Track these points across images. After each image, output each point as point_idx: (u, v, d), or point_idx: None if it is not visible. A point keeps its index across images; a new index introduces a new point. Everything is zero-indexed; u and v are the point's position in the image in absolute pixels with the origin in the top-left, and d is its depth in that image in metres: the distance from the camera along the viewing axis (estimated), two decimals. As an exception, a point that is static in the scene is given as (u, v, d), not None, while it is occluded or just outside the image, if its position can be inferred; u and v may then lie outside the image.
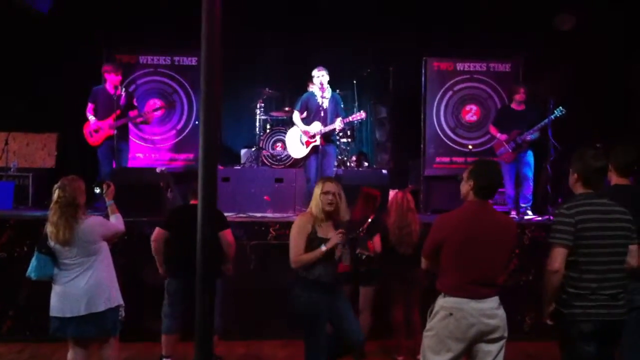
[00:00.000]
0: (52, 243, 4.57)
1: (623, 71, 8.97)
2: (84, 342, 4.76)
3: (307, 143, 8.04)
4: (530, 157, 8.11)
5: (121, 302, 4.80)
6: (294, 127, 8.35)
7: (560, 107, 7.77)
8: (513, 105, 8.26)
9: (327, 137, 7.99)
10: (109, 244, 4.88)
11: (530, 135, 7.98)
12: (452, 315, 3.73)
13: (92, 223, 4.66)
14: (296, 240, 4.71)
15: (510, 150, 8.08)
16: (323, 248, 4.64)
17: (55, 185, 4.66)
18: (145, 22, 9.26)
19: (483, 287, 3.75)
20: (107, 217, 5.10)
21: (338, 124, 7.83)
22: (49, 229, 4.57)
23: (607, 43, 8.95)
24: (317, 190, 4.76)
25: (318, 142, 7.92)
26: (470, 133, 9.14)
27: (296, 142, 8.24)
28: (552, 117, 7.81)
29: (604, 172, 4.07)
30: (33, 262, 4.63)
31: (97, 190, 5.19)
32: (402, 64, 9.85)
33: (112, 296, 4.70)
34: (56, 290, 4.63)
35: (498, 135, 8.22)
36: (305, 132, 8.03)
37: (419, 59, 9.15)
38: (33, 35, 8.95)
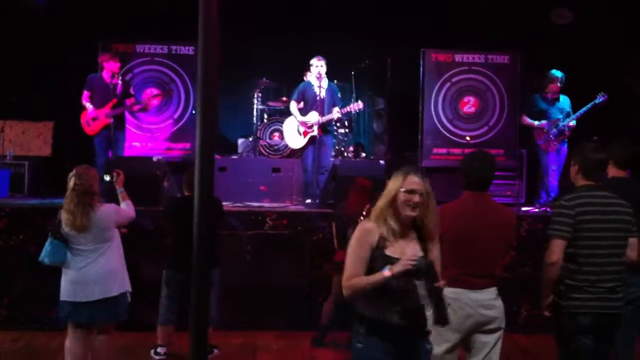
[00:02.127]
0: (66, 229, 4.67)
1: (620, 66, 8.95)
2: (87, 330, 4.84)
3: (305, 133, 8.03)
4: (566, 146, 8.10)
5: (130, 287, 4.91)
6: (291, 117, 8.33)
7: (602, 93, 7.75)
8: (547, 94, 8.18)
9: (325, 128, 7.97)
10: (122, 231, 5.06)
11: (574, 122, 7.96)
12: (449, 305, 3.72)
13: (107, 210, 4.80)
14: (353, 254, 3.29)
15: (552, 138, 8.05)
16: (386, 272, 3.13)
17: (71, 174, 4.75)
18: (142, 10, 9.21)
19: (480, 278, 3.75)
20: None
21: (336, 114, 7.81)
22: (64, 216, 4.67)
23: (605, 38, 8.93)
24: (394, 186, 3.31)
25: (315, 133, 7.90)
26: (468, 125, 9.10)
27: (293, 132, 8.22)
28: (595, 102, 7.79)
29: (604, 164, 4.07)
30: (47, 247, 4.72)
31: (107, 178, 5.31)
32: (400, 56, 9.81)
33: (125, 281, 4.84)
34: (69, 276, 4.73)
35: (536, 124, 8.16)
36: (303, 123, 8.01)
37: (417, 50, 9.10)
38: (30, 24, 8.90)
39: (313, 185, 8.03)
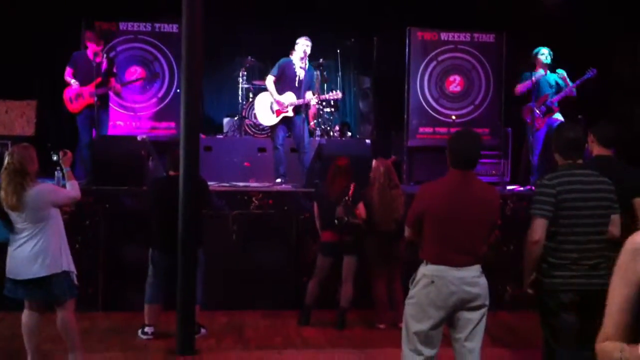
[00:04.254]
0: (5, 207, 4.69)
1: (607, 48, 8.96)
2: (36, 304, 4.88)
3: (278, 112, 7.94)
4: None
5: (71, 268, 4.85)
6: (265, 93, 8.22)
7: (592, 68, 7.75)
8: (537, 69, 8.15)
9: (297, 109, 7.91)
10: (64, 211, 5.09)
11: (561, 97, 7.96)
12: (433, 283, 3.74)
13: (40, 190, 4.75)
14: (613, 290, 1.94)
15: (539, 115, 8.04)
16: None
17: (6, 152, 4.78)
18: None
19: (464, 255, 3.76)
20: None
21: (313, 100, 7.75)
22: (1, 194, 4.68)
23: (592, 19, 8.93)
24: None
25: (290, 114, 7.85)
26: (453, 104, 9.10)
27: (266, 109, 8.11)
28: (586, 77, 7.79)
29: (579, 143, 4.08)
30: None
31: (55, 158, 5.27)
32: (386, 34, 9.77)
33: (59, 262, 4.76)
34: (9, 253, 4.78)
35: (528, 82, 8.07)
36: (279, 102, 7.91)
37: (403, 28, 9.06)
38: (12, 2, 8.76)
39: (284, 162, 7.98)
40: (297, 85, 7.83)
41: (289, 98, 7.83)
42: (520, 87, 8.26)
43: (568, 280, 3.87)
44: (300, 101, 7.79)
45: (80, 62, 7.88)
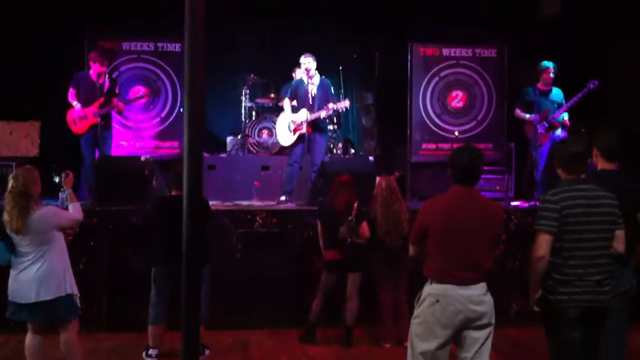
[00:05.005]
0: (8, 230, 4.69)
1: (606, 57, 8.97)
2: (39, 327, 4.88)
3: (295, 131, 8.02)
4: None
5: (74, 291, 4.86)
6: (283, 114, 8.34)
7: (593, 80, 7.73)
8: (539, 86, 8.12)
9: (316, 126, 7.93)
10: (68, 232, 5.09)
11: (565, 112, 7.94)
12: (438, 302, 3.72)
13: (44, 213, 4.76)
14: None
15: (543, 131, 8.00)
16: None
17: (10, 175, 4.79)
18: (128, 7, 9.14)
19: (469, 273, 3.73)
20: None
21: (323, 113, 7.79)
22: (5, 217, 4.69)
23: (590, 29, 8.94)
24: None
25: (304, 130, 7.88)
26: (456, 119, 9.10)
27: (284, 129, 8.21)
28: (588, 89, 7.75)
29: (582, 157, 4.06)
30: None
31: (57, 180, 5.26)
32: (388, 50, 9.80)
33: (63, 285, 4.77)
34: (12, 276, 4.77)
35: (527, 117, 8.09)
36: (293, 121, 8.02)
37: (404, 44, 9.10)
38: (14, 22, 8.81)
39: (294, 180, 8.01)
40: (310, 102, 7.87)
41: (302, 115, 7.88)
42: (519, 114, 8.26)
43: (573, 296, 3.84)
44: (312, 116, 7.80)
45: (83, 83, 7.90)
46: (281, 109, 8.63)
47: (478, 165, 3.87)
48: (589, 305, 3.85)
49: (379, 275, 6.26)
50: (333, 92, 8.29)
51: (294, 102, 8.09)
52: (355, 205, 6.01)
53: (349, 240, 5.94)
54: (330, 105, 7.77)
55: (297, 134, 7.97)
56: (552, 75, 8.03)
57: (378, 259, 6.21)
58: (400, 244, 6.02)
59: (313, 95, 7.90)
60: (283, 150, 8.93)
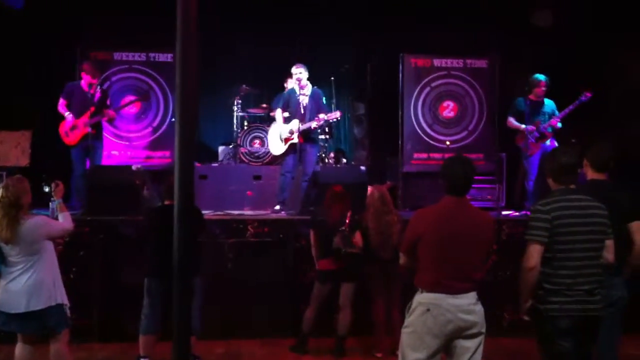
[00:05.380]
0: None
1: (598, 68, 9.03)
2: (29, 337, 4.87)
3: (286, 140, 8.03)
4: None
5: (64, 301, 4.85)
6: (275, 124, 8.35)
7: (585, 92, 7.78)
8: (531, 97, 8.18)
9: (308, 136, 7.94)
10: (58, 242, 5.08)
11: (558, 122, 7.98)
12: (429, 311, 3.72)
13: (34, 223, 4.74)
14: None
15: (533, 141, 8.04)
16: None
17: (0, 185, 4.79)
18: (119, 17, 9.15)
19: (460, 282, 3.74)
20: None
21: (313, 124, 7.81)
22: None
23: (583, 39, 9.01)
24: None
25: (296, 140, 7.89)
26: (447, 129, 9.14)
27: (276, 138, 8.23)
28: (580, 100, 7.81)
29: (573, 168, 4.08)
30: None
31: (47, 189, 5.25)
32: (380, 61, 9.84)
33: (53, 294, 4.75)
34: (2, 286, 4.75)
35: (522, 127, 8.13)
36: (285, 130, 8.03)
37: (396, 55, 9.14)
38: (5, 31, 8.80)
39: (286, 190, 8.02)
40: (302, 112, 7.89)
41: (293, 125, 7.89)
42: (512, 123, 8.30)
43: (564, 306, 3.85)
44: (303, 126, 7.81)
45: (74, 93, 7.87)
46: (273, 119, 8.65)
47: (470, 176, 3.89)
48: (579, 314, 3.86)
49: (374, 286, 6.26)
50: (325, 102, 8.32)
51: (286, 113, 8.10)
52: (348, 214, 6.03)
53: (344, 250, 5.94)
54: (322, 115, 7.78)
55: (288, 143, 7.98)
56: (544, 89, 8.09)
57: (373, 270, 6.21)
58: (390, 255, 6.02)
59: (305, 105, 7.92)
60: (275, 159, 8.94)
